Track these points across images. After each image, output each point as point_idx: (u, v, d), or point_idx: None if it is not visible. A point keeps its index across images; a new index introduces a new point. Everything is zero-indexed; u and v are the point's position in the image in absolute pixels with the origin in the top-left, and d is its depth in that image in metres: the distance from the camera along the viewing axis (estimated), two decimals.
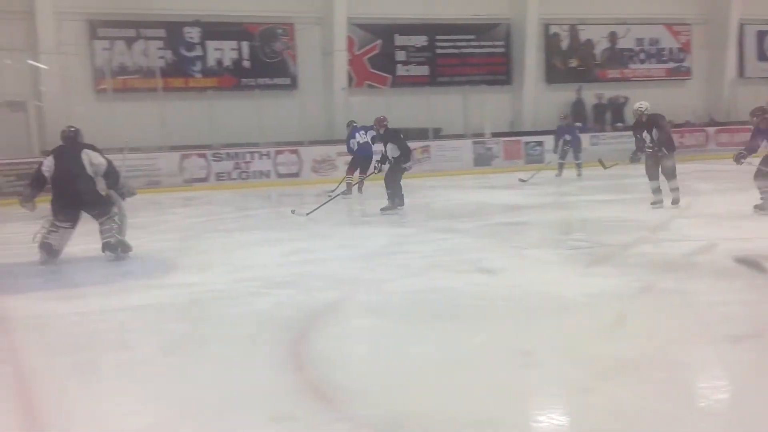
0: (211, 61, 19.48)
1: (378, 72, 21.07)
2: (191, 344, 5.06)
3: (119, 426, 3.63)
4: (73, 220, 7.93)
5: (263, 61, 19.90)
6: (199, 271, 7.39)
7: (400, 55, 21.35)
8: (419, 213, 10.51)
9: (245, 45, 19.79)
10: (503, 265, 7.26)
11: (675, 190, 10.11)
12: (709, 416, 3.71)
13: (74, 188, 7.81)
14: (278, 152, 18.06)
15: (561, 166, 16.88)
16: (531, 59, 21.83)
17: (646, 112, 10.33)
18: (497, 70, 22.07)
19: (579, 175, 16.53)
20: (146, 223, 11.68)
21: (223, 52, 19.62)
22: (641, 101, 10.66)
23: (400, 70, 21.31)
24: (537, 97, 21.84)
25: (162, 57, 18.89)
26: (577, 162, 16.84)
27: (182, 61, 19.15)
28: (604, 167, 15.20)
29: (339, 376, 4.32)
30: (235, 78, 19.69)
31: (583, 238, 8.47)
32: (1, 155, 15.99)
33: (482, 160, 19.70)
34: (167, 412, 3.83)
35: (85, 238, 8.37)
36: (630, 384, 4.02)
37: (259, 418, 3.72)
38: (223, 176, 17.49)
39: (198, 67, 19.35)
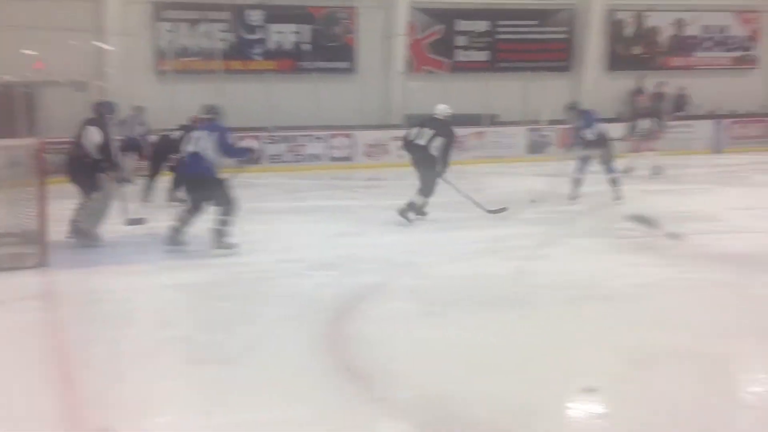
0: (271, 44, 19.60)
1: (437, 57, 20.94)
2: (232, 323, 5.15)
3: (155, 399, 3.72)
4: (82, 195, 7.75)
5: (323, 44, 19.97)
6: (246, 252, 7.45)
7: (461, 40, 21.13)
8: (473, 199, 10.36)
9: (306, 28, 19.86)
10: (550, 253, 7.18)
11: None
12: (745, 409, 3.64)
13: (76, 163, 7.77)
14: (332, 136, 18.11)
15: (576, 185, 10.51)
16: (593, 45, 21.39)
17: None
18: (558, 56, 21.69)
19: (618, 199, 10.30)
20: None
21: (284, 35, 19.73)
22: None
23: (460, 56, 21.11)
24: (597, 85, 21.38)
25: (224, 39, 19.09)
26: (610, 176, 10.51)
27: (243, 43, 19.30)
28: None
29: (375, 357, 4.37)
30: (294, 61, 19.79)
31: (634, 228, 8.29)
32: (63, 133, 16.40)
33: (537, 148, 19.45)
34: (199, 390, 3.92)
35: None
36: (668, 375, 3.97)
37: (289, 397, 3.77)
38: (276, 158, 17.63)
39: (259, 49, 19.49)
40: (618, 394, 3.79)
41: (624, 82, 21.26)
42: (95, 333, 4.97)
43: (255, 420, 3.51)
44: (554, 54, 21.65)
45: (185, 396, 3.78)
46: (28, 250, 6.81)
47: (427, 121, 9.13)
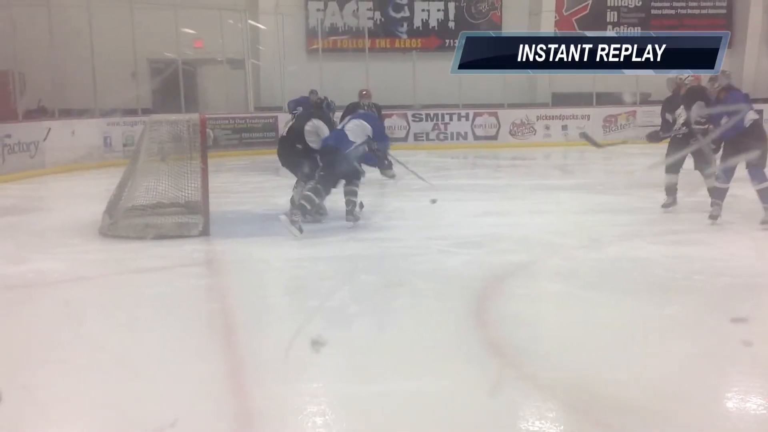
0: (417, 22, 19.76)
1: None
2: (381, 295, 5.30)
3: (305, 365, 3.88)
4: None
5: (468, 21, 19.89)
6: (392, 227, 7.61)
7: (611, 16, 20.57)
8: (619, 180, 10.11)
9: (452, 5, 19.87)
10: (704, 239, 6.90)
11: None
12: None
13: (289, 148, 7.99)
14: (477, 114, 18.06)
15: None
16: (755, 21, 20.26)
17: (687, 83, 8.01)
18: (717, 32, 20.70)
19: None
20: None
21: (429, 12, 19.82)
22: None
23: (611, 32, 20.54)
24: (759, 62, 20.27)
25: (371, 18, 19.41)
26: None
27: (389, 21, 19.57)
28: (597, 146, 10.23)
29: (522, 336, 4.36)
30: (439, 39, 19.85)
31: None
32: (220, 110, 17.19)
33: None
34: (355, 357, 4.05)
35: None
36: None
37: (430, 369, 3.84)
38: (421, 136, 17.79)
39: (404, 27, 19.71)
40: None
41: None
42: (251, 299, 5.23)
43: (394, 390, 3.59)
44: (713, 29, 20.65)
45: (329, 363, 3.91)
46: (192, 219, 7.24)
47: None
